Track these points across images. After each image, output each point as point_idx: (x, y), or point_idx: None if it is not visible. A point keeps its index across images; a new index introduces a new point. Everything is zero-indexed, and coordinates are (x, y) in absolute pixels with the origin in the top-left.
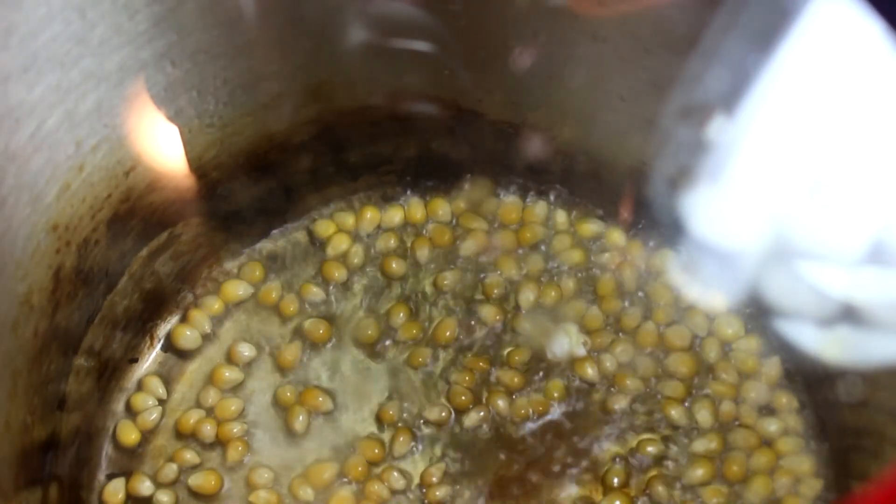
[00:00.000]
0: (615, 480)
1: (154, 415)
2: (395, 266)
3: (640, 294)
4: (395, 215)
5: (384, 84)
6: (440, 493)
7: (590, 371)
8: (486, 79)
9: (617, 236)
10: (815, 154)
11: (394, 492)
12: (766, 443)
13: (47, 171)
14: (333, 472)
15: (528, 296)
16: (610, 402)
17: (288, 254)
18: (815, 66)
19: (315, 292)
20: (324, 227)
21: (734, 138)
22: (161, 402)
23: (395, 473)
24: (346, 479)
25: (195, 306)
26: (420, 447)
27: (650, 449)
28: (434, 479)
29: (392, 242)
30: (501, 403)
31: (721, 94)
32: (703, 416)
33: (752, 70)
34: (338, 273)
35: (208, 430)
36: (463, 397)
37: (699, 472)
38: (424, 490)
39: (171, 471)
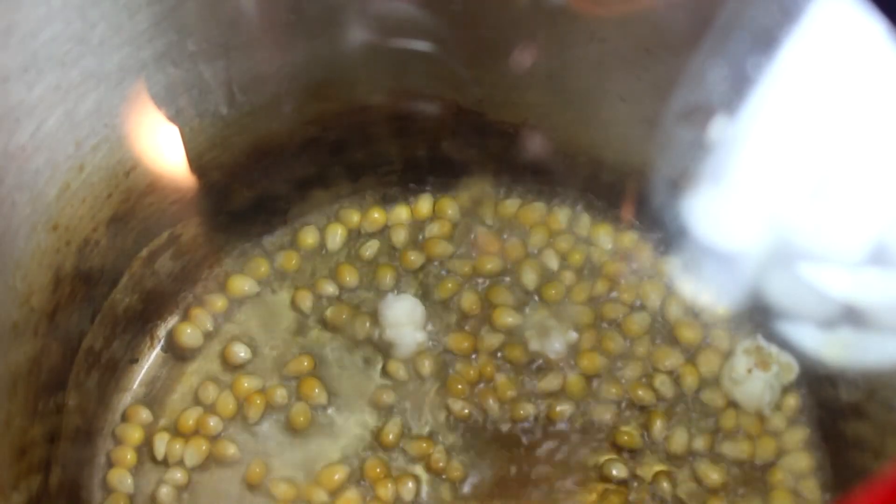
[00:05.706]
0: (615, 475)
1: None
2: (397, 262)
3: (639, 293)
4: (398, 214)
5: (384, 84)
6: (443, 489)
7: (594, 366)
8: (486, 79)
9: (617, 236)
10: (817, 155)
11: (396, 491)
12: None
13: (47, 170)
14: (340, 471)
15: (528, 294)
16: (610, 403)
17: (288, 253)
18: (817, 67)
19: (317, 289)
20: (325, 227)
21: (736, 139)
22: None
23: (400, 471)
24: (354, 478)
25: (197, 304)
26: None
27: (647, 452)
28: (439, 465)
29: (392, 241)
30: (504, 402)
31: (722, 94)
32: (704, 415)
33: (753, 71)
34: (338, 273)
35: (210, 428)
36: (460, 387)
37: (701, 471)
38: (428, 486)
39: (170, 470)
